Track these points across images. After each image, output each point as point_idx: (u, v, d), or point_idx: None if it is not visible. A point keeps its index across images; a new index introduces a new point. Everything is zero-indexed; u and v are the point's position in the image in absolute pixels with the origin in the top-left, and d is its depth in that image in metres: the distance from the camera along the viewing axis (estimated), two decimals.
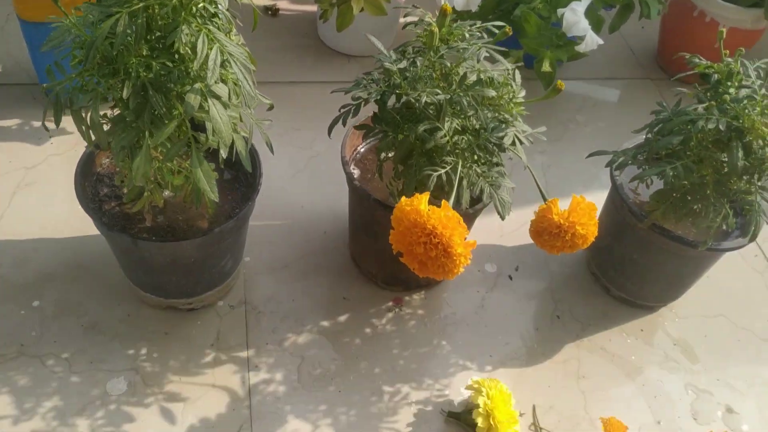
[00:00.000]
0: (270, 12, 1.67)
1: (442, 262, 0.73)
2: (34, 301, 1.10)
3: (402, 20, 1.67)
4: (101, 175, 1.04)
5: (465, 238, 0.74)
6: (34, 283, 1.12)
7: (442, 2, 0.83)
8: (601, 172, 1.38)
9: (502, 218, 0.88)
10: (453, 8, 1.37)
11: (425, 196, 0.74)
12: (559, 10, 1.33)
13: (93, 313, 1.10)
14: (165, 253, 0.96)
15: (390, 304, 1.18)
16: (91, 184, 1.02)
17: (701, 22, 1.56)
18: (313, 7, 1.70)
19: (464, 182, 0.85)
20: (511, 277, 1.26)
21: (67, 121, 1.36)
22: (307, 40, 1.65)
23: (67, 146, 1.32)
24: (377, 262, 1.16)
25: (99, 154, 1.04)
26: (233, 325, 1.12)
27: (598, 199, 1.24)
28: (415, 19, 0.88)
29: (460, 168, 0.83)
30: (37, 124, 1.36)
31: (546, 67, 1.33)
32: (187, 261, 0.99)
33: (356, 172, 1.11)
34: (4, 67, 1.46)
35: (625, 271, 1.18)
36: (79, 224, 1.19)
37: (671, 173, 0.91)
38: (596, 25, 1.40)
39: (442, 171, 0.82)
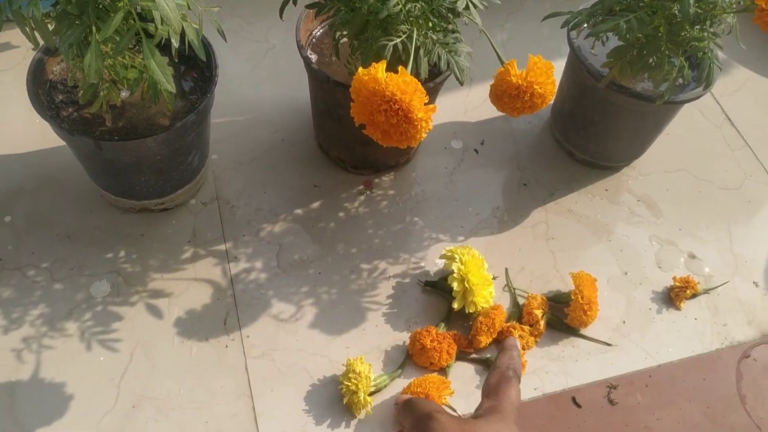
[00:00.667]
0: None
1: (404, 128, 0.74)
2: (5, 216, 1.10)
3: None
4: (54, 82, 1.01)
5: (425, 104, 0.75)
6: (2, 200, 1.12)
7: None
8: (561, 44, 1.38)
9: (461, 83, 0.88)
10: None
11: (382, 65, 0.75)
12: None
13: (66, 222, 1.11)
14: (129, 153, 0.96)
15: (361, 187, 1.20)
16: (45, 93, 1.00)
17: None
18: None
19: (421, 51, 0.85)
20: (477, 151, 1.27)
21: (13, 35, 1.32)
22: None
23: (16, 59, 1.29)
24: (344, 147, 1.17)
25: (49, 61, 1.02)
26: (208, 221, 1.13)
27: (557, 66, 1.25)
28: None
29: (415, 36, 0.82)
30: None
31: None
32: (152, 159, 0.99)
33: (314, 57, 1.10)
34: None
35: (587, 133, 1.20)
36: (40, 137, 1.18)
37: (624, 26, 0.92)
38: None
39: (398, 40, 0.82)
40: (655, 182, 1.28)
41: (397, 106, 0.73)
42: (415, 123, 0.74)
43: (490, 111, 1.27)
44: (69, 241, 1.09)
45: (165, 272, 1.07)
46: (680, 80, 1.07)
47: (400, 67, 0.74)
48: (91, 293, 1.04)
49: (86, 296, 1.04)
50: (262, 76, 1.32)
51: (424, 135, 0.76)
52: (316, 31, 1.12)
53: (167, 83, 0.82)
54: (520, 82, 0.85)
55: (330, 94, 1.04)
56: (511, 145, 1.29)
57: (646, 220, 1.22)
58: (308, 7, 0.92)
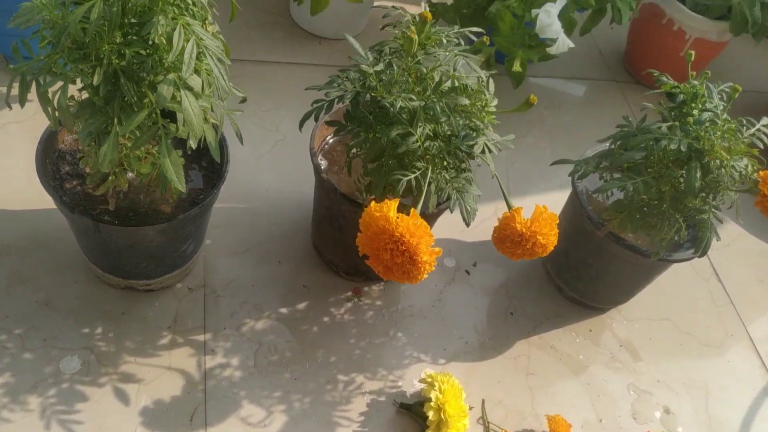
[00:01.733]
0: None
1: (408, 268, 0.75)
2: None
3: (376, 3, 1.66)
4: (63, 152, 1.02)
5: (431, 246, 0.76)
6: None
7: (424, 8, 0.83)
8: (561, 170, 1.41)
9: (467, 225, 0.90)
10: (428, 1, 1.37)
11: (394, 203, 0.75)
12: (534, 11, 1.34)
13: (48, 288, 1.09)
14: (126, 237, 0.95)
15: (349, 293, 1.20)
16: (52, 161, 1.00)
17: (669, 29, 1.59)
18: None
19: (432, 187, 0.86)
20: (468, 272, 1.28)
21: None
22: (279, 18, 1.62)
23: (28, 114, 1.29)
24: (339, 253, 1.17)
25: (62, 131, 1.02)
26: (191, 308, 1.12)
27: (557, 197, 1.28)
28: (392, 20, 0.88)
29: (429, 173, 0.84)
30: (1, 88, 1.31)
31: (517, 66, 1.34)
32: (148, 245, 0.98)
33: (324, 163, 1.11)
34: None
35: (578, 273, 1.21)
36: (38, 197, 1.16)
37: (631, 188, 0.94)
38: (568, 27, 1.42)
39: (412, 176, 0.83)
40: (639, 329, 1.28)
41: (404, 248, 0.73)
42: (419, 265, 0.74)
43: (486, 233, 1.28)
44: (47, 308, 1.07)
45: (139, 356, 1.05)
46: (676, 237, 1.09)
47: (412, 210, 0.75)
48: (61, 368, 1.01)
49: (55, 370, 1.01)
50: (268, 165, 1.34)
51: (425, 276, 0.77)
52: (329, 138, 1.14)
53: (179, 183, 0.82)
54: (524, 230, 0.87)
55: (335, 203, 1.05)
56: (502, 271, 1.30)
57: (626, 367, 1.22)
58: (328, 124, 0.94)
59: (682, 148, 0.90)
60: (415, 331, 1.18)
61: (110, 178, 0.91)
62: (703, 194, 0.96)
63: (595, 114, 1.67)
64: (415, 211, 0.75)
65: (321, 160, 1.11)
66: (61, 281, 1.10)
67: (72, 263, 1.11)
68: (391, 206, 0.75)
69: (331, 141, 1.14)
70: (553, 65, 1.72)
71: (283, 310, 1.15)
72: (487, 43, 0.88)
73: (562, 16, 1.39)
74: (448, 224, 1.32)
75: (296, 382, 1.07)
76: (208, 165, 1.04)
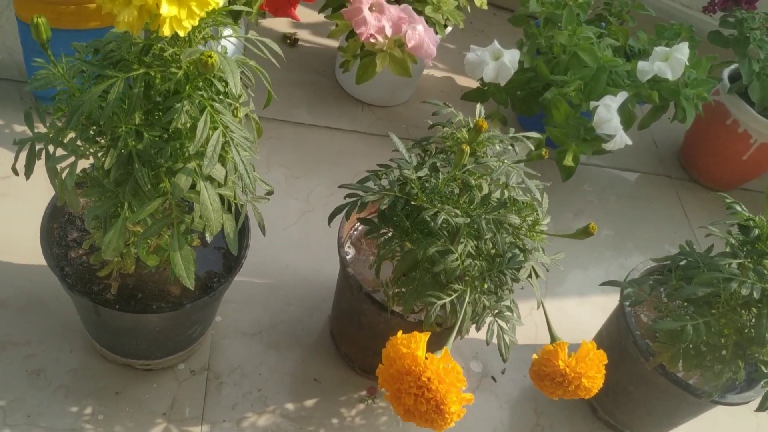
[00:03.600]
0: (288, 41, 1.58)
1: (432, 417, 0.65)
2: None
3: (426, 72, 1.59)
4: (73, 217, 0.94)
5: (462, 391, 0.66)
6: None
7: (479, 117, 0.74)
8: (604, 263, 1.31)
9: (504, 360, 0.79)
10: (480, 79, 1.29)
11: (424, 338, 0.66)
12: (593, 103, 1.25)
13: (41, 356, 1.00)
14: (128, 321, 0.87)
15: (363, 393, 1.09)
16: (60, 225, 0.93)
17: (733, 131, 1.49)
18: (335, 42, 1.61)
19: (468, 310, 0.76)
20: (495, 380, 1.17)
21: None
22: (322, 78, 1.55)
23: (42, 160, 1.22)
24: (357, 348, 1.07)
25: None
26: (191, 394, 1.02)
27: (598, 302, 1.17)
28: (443, 119, 0.80)
29: (467, 297, 0.74)
30: (20, 128, 1.26)
31: (569, 161, 1.25)
32: (151, 330, 0.90)
33: (351, 252, 1.03)
34: None
35: (617, 398, 1.10)
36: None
37: (691, 330, 0.83)
38: (627, 122, 1.32)
39: (447, 300, 0.73)
40: None
41: (431, 396, 0.63)
42: (446, 416, 0.64)
43: (518, 335, 1.18)
44: (37, 378, 0.98)
45: None
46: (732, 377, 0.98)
47: (444, 349, 0.65)
48: None
49: None
50: (291, 239, 1.25)
51: (452, 425, 0.67)
52: (359, 225, 1.05)
53: (187, 280, 0.74)
54: (568, 371, 0.76)
55: (358, 300, 0.96)
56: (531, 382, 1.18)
57: None
58: (360, 221, 0.85)
59: (756, 295, 0.80)
60: None
61: (115, 260, 0.83)
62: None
63: (645, 209, 1.56)
64: (448, 351, 0.65)
65: (348, 248, 1.02)
66: (55, 349, 1.01)
67: (70, 331, 1.03)
68: (420, 343, 0.65)
69: (360, 228, 1.05)
70: (604, 154, 1.62)
71: (289, 406, 1.05)
72: (546, 156, 0.79)
73: (622, 109, 1.30)
74: None
75: None
76: (224, 256, 0.96)
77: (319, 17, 1.64)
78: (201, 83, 0.67)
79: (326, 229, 1.10)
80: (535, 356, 0.81)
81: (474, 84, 1.49)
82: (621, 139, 1.26)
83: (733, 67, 1.52)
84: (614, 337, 1.08)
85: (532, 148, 0.86)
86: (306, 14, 1.66)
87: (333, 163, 1.39)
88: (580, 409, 1.17)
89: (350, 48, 1.26)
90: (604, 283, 0.95)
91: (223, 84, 0.68)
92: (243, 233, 0.93)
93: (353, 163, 1.39)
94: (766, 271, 0.82)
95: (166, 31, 0.56)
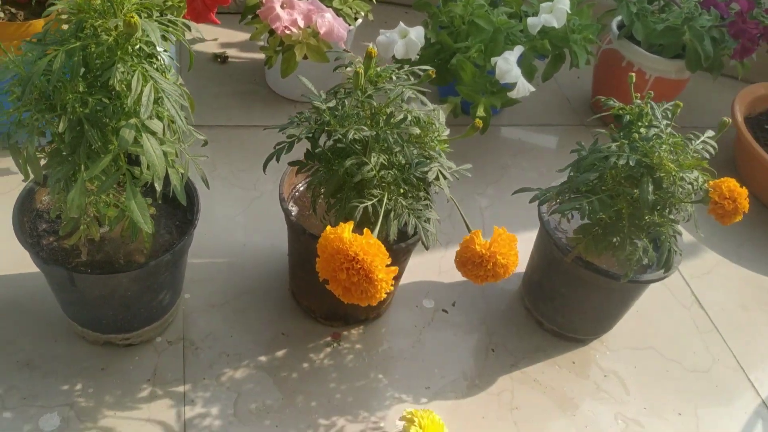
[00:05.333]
0: (219, 59, 1.72)
1: (365, 287, 0.77)
2: None
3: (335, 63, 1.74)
4: (40, 212, 1.05)
5: (387, 265, 0.78)
6: None
7: (369, 46, 0.88)
8: (535, 211, 1.44)
9: (426, 248, 0.92)
10: (393, 56, 1.44)
11: (349, 225, 0.78)
12: (493, 59, 1.41)
13: (28, 349, 1.10)
14: (101, 286, 0.98)
15: (328, 339, 1.20)
16: (29, 220, 1.03)
17: (629, 71, 1.66)
18: (262, 55, 1.75)
19: (391, 215, 0.89)
20: (446, 311, 1.29)
21: (9, 162, 1.37)
22: (255, 86, 1.70)
23: (9, 186, 1.33)
24: (316, 298, 1.19)
25: (39, 191, 1.06)
26: (171, 361, 1.12)
27: (531, 238, 1.30)
28: (345, 61, 0.94)
29: (386, 200, 0.87)
30: None
31: (480, 112, 1.39)
32: (123, 294, 1.01)
33: (295, 209, 1.15)
34: None
35: (554, 304, 1.22)
36: (17, 261, 1.19)
37: (587, 207, 0.97)
38: (529, 74, 1.48)
39: (369, 203, 0.86)
40: (623, 358, 1.28)
41: (359, 266, 0.75)
42: (375, 283, 0.76)
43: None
44: (27, 368, 1.07)
45: (118, 410, 1.05)
46: (645, 261, 1.11)
47: (365, 229, 0.77)
48: (40, 425, 1.01)
49: (34, 428, 1.01)
50: (246, 222, 1.37)
51: (383, 295, 0.78)
52: (299, 185, 1.18)
53: (145, 224, 0.85)
54: (483, 251, 0.89)
55: (305, 245, 1.08)
56: (481, 308, 1.31)
57: (613, 397, 1.21)
58: (290, 164, 0.98)
59: (631, 163, 0.94)
60: (396, 373, 1.18)
61: (81, 227, 0.94)
62: (659, 208, 0.99)
63: (567, 158, 1.71)
64: (369, 231, 0.77)
65: (292, 206, 1.15)
66: (40, 341, 1.11)
67: (52, 324, 1.13)
68: (345, 228, 0.77)
69: (301, 188, 1.18)
70: (523, 114, 1.78)
71: (262, 359, 1.15)
72: (433, 75, 0.93)
73: (523, 63, 1.46)
74: (425, 268, 1.35)
75: (277, 429, 1.07)
76: (182, 222, 1.07)
77: (244, 36, 1.80)
78: (130, 49, 0.80)
79: (277, 210, 1.22)
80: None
81: None
82: (523, 86, 1.41)
83: (619, 18, 1.70)
84: (541, 249, 1.21)
85: (430, 105, 0.96)
86: (231, 35, 1.81)
87: None
88: (527, 324, 1.29)
89: (271, 45, 1.40)
90: (516, 192, 1.08)
91: (150, 46, 0.81)
92: (192, 197, 1.04)
93: (280, 138, 1.52)
94: (638, 144, 0.96)
95: None
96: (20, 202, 1.02)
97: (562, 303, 1.21)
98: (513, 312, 1.31)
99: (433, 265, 1.35)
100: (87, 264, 0.98)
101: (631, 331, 1.32)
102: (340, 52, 0.95)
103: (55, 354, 1.10)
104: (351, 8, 1.50)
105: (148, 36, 0.79)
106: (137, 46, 0.81)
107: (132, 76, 0.78)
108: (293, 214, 1.12)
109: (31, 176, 0.88)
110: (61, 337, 1.12)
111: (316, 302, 1.20)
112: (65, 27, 0.81)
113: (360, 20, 1.57)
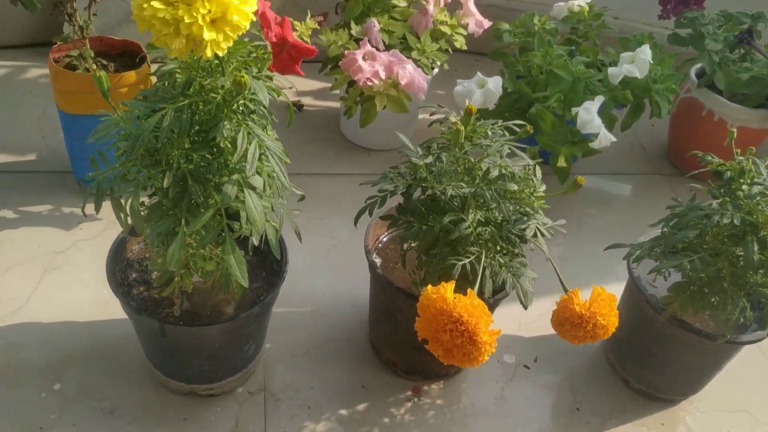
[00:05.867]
0: (295, 107, 1.75)
1: (468, 349, 0.75)
2: (56, 383, 1.11)
3: (421, 117, 1.75)
4: (131, 261, 1.07)
5: (490, 326, 0.76)
6: (57, 366, 1.13)
7: (466, 102, 0.88)
8: (616, 265, 1.40)
9: (525, 307, 0.90)
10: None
11: (451, 285, 0.77)
12: (573, 109, 1.39)
13: (113, 397, 1.10)
14: (191, 337, 0.98)
15: (409, 393, 1.18)
16: (121, 269, 1.05)
17: (709, 121, 1.62)
18: (335, 103, 1.78)
19: (487, 272, 0.87)
20: (528, 367, 1.26)
21: (91, 208, 1.41)
22: (330, 134, 1.71)
23: (96, 232, 1.36)
24: (397, 351, 1.17)
25: (130, 241, 1.08)
26: (252, 412, 1.11)
27: (613, 291, 1.26)
28: (441, 116, 0.93)
29: (483, 258, 0.85)
30: (68, 210, 1.40)
31: (561, 162, 1.37)
32: (211, 345, 1.01)
33: (378, 261, 1.14)
34: (39, 155, 1.52)
35: (644, 363, 1.18)
36: (104, 308, 1.21)
37: (688, 266, 0.94)
38: (609, 124, 1.46)
39: (467, 261, 0.84)
40: (714, 421, 1.22)
41: (463, 328, 0.74)
42: (479, 346, 0.74)
43: (545, 327, 1.26)
44: (111, 416, 1.08)
45: None
46: (742, 319, 1.06)
47: (468, 290, 0.76)
48: None
49: None
50: (324, 270, 1.37)
51: (486, 357, 0.77)
52: (383, 236, 1.17)
53: (242, 278, 0.86)
54: (583, 311, 0.86)
55: (391, 298, 1.07)
56: (564, 365, 1.27)
57: None
58: (382, 218, 0.97)
59: (736, 222, 0.90)
60: (478, 430, 1.15)
61: (176, 279, 0.95)
62: (763, 269, 0.95)
63: (643, 207, 1.68)
64: (472, 292, 0.76)
65: (375, 258, 1.14)
66: (125, 389, 1.12)
67: (136, 372, 1.14)
68: (447, 288, 0.76)
69: (384, 240, 1.17)
70: (598, 163, 1.75)
71: (342, 412, 1.14)
72: (531, 131, 0.92)
73: (602, 113, 1.44)
74: (506, 320, 1.32)
75: None
76: (268, 273, 1.08)
77: (319, 85, 1.83)
78: (235, 106, 0.81)
79: (355, 257, 1.22)
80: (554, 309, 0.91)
81: None
82: (605, 136, 1.38)
83: (698, 66, 1.67)
84: (630, 305, 1.17)
85: (530, 161, 0.96)
86: (306, 83, 1.84)
87: (351, 203, 1.51)
88: (612, 382, 1.25)
89: (351, 95, 1.41)
90: (608, 248, 1.05)
91: (254, 104, 0.82)
92: (282, 251, 1.05)
93: (372, 191, 1.53)
94: (742, 203, 0.93)
95: (208, 53, 0.70)
96: (113, 251, 1.04)
97: (651, 361, 1.17)
98: (597, 369, 1.27)
99: (513, 320, 1.33)
100: (177, 315, 0.98)
101: (722, 392, 1.26)
102: (431, 106, 0.95)
103: (139, 402, 1.10)
104: (428, 58, 1.50)
105: (254, 94, 0.80)
106: (241, 102, 0.83)
107: (237, 133, 0.79)
108: (377, 265, 1.11)
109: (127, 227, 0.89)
110: (144, 386, 1.12)
111: (397, 355, 1.18)
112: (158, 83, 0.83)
113: (436, 70, 1.58)
